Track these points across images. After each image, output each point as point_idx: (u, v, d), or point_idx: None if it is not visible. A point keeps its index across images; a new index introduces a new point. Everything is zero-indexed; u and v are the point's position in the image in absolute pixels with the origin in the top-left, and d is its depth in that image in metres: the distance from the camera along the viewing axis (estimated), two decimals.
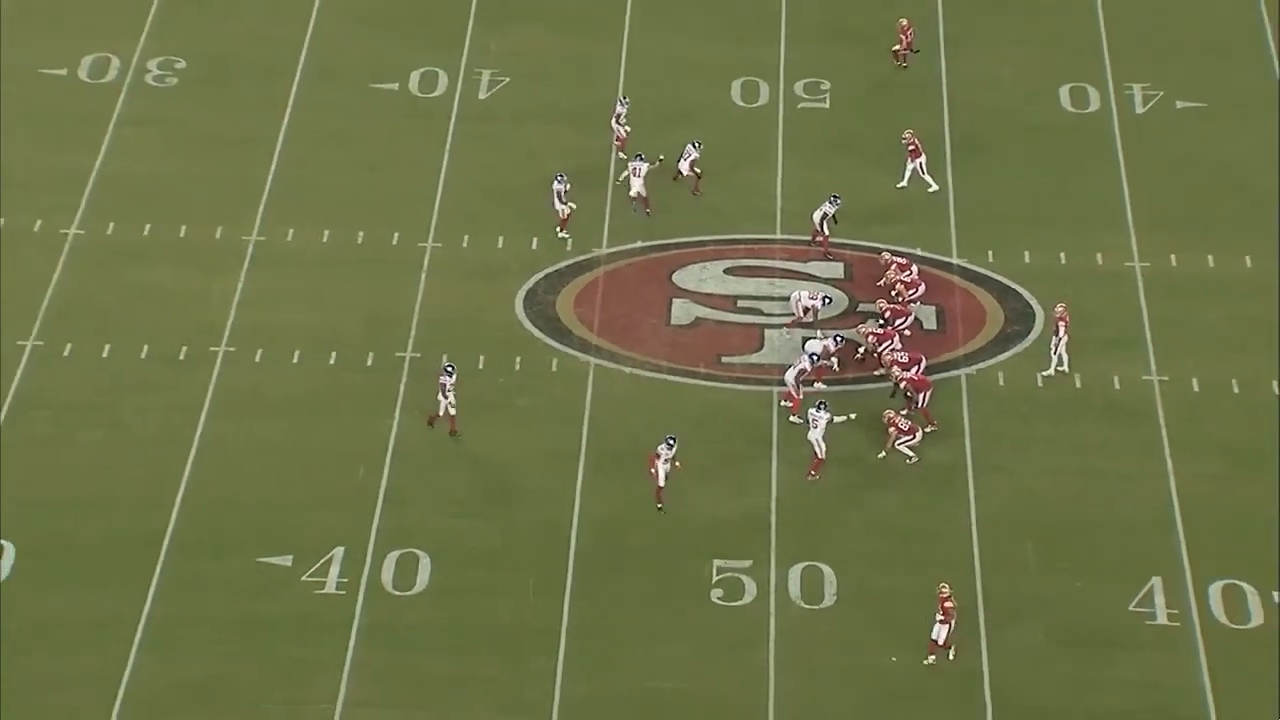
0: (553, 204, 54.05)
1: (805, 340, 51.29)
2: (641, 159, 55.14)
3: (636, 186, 55.36)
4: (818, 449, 48.35)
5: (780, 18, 62.85)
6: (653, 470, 46.83)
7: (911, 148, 56.27)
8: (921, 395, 49.46)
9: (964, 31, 62.15)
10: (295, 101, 59.55)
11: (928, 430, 49.29)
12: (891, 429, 48.54)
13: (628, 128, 57.20)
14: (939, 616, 43.74)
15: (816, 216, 54.07)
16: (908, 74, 60.50)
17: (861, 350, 51.20)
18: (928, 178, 56.29)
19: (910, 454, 48.93)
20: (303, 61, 60.97)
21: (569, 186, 54.21)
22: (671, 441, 46.72)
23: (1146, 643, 45.25)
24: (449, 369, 48.80)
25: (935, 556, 46.99)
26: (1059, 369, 50.94)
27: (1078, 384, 50.71)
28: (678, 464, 47.04)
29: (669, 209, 56.03)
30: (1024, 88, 60.38)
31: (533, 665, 44.50)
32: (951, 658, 43.71)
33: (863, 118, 59.27)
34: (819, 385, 50.44)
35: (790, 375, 50.00)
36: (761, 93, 60.33)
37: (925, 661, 43.98)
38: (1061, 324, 50.75)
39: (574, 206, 54.19)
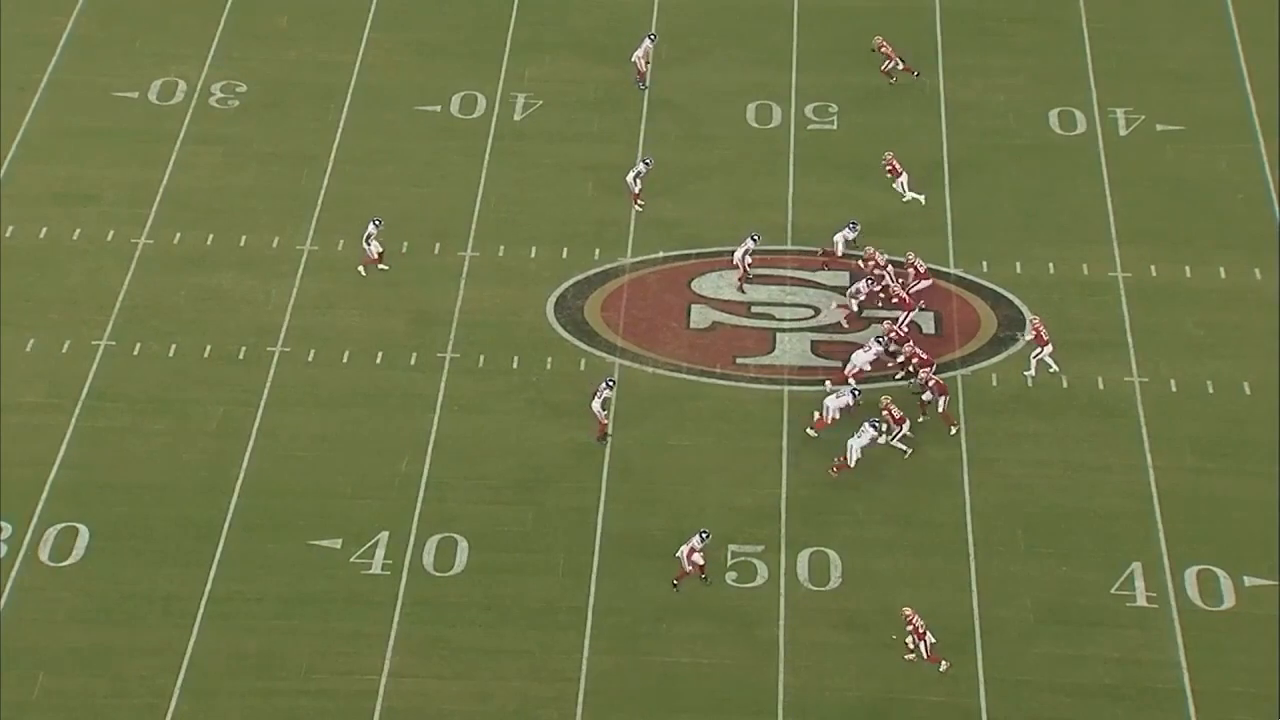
0: (364, 245, 53.72)
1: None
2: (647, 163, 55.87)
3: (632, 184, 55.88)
4: (851, 455, 48.20)
5: (792, 47, 62.68)
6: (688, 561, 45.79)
7: (890, 169, 56.17)
8: (941, 400, 49.27)
9: (961, 61, 61.96)
10: (345, 123, 59.48)
11: (951, 432, 49.24)
12: (885, 413, 48.47)
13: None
14: (909, 641, 43.66)
15: (837, 239, 53.83)
16: (909, 99, 60.28)
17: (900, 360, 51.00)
18: (911, 194, 56.13)
19: (903, 447, 48.79)
20: (353, 86, 60.90)
21: (381, 227, 53.78)
22: (705, 535, 45.74)
23: (1127, 623, 45.16)
24: (610, 383, 48.90)
25: (932, 542, 46.98)
26: (1049, 373, 50.74)
27: (1064, 384, 50.56)
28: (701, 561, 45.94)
29: (686, 223, 55.92)
30: (1016, 112, 60.18)
31: (562, 639, 44.55)
32: (943, 669, 43.64)
33: (867, 139, 59.06)
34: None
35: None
36: (774, 115, 60.17)
37: (906, 658, 43.95)
38: (1037, 334, 50.74)
39: (381, 248, 53.48)
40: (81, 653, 44.20)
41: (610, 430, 48.92)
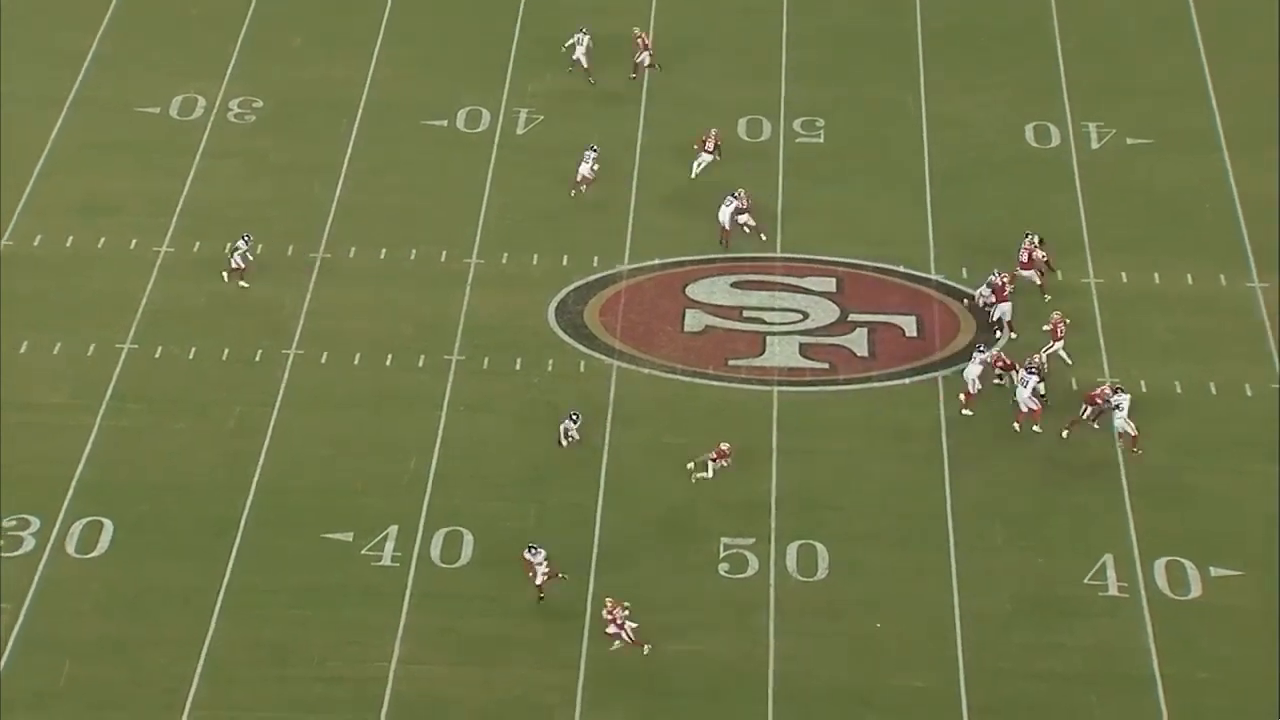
0: (231, 261, 53.68)
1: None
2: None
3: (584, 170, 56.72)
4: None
5: (781, 65, 62.83)
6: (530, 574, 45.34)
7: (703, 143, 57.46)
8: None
9: (943, 78, 62.16)
10: (356, 136, 59.62)
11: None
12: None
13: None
14: (609, 630, 43.76)
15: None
16: (893, 114, 60.45)
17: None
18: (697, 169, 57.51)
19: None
20: (363, 101, 61.03)
21: (250, 243, 53.76)
22: (534, 548, 44.90)
23: (1100, 612, 45.26)
24: (574, 416, 48.54)
25: (915, 536, 47.08)
26: (1065, 364, 51.27)
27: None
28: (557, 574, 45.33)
29: (681, 231, 56.06)
30: (994, 126, 60.35)
31: (562, 627, 44.59)
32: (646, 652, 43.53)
33: (853, 152, 59.22)
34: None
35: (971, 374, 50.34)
36: (765, 129, 60.29)
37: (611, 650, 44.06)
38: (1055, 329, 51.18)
39: (244, 265, 53.28)
40: (105, 641, 44.23)
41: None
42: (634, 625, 43.41)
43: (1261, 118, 60.29)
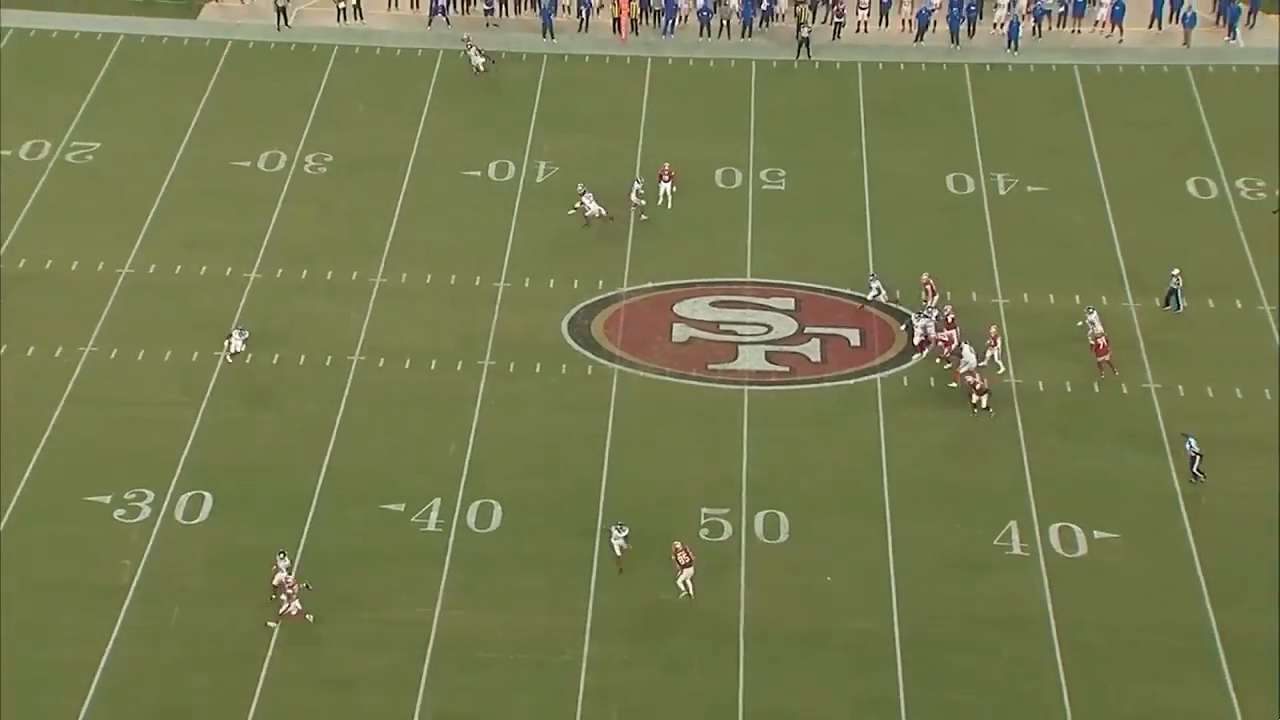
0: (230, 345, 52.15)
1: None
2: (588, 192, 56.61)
3: (591, 209, 56.49)
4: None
5: (750, 129, 62.78)
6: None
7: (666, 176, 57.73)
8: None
9: (880, 139, 62.14)
10: (407, 184, 59.50)
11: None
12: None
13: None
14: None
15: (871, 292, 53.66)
16: (840, 165, 60.38)
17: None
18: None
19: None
20: (413, 156, 60.93)
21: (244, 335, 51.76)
22: (282, 554, 43.55)
23: (1006, 567, 45.18)
24: (619, 525, 44.62)
25: (859, 507, 46.97)
26: (998, 372, 50.90)
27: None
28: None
29: (669, 260, 55.89)
30: (921, 175, 60.26)
31: (574, 581, 44.49)
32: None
33: (808, 197, 59.18)
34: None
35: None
36: (737, 178, 60.18)
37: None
38: (994, 340, 51.12)
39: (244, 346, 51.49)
40: (206, 591, 44.15)
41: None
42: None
43: (1133, 172, 60.23)
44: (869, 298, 53.44)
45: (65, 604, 43.38)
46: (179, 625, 43.22)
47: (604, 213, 56.58)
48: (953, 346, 51.36)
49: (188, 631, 43.07)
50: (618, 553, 44.37)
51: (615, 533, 44.42)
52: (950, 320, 51.96)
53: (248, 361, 49.48)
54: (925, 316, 51.98)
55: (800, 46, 66.73)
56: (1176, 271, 53.73)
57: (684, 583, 43.65)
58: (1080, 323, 52.22)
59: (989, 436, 49.24)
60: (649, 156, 60.57)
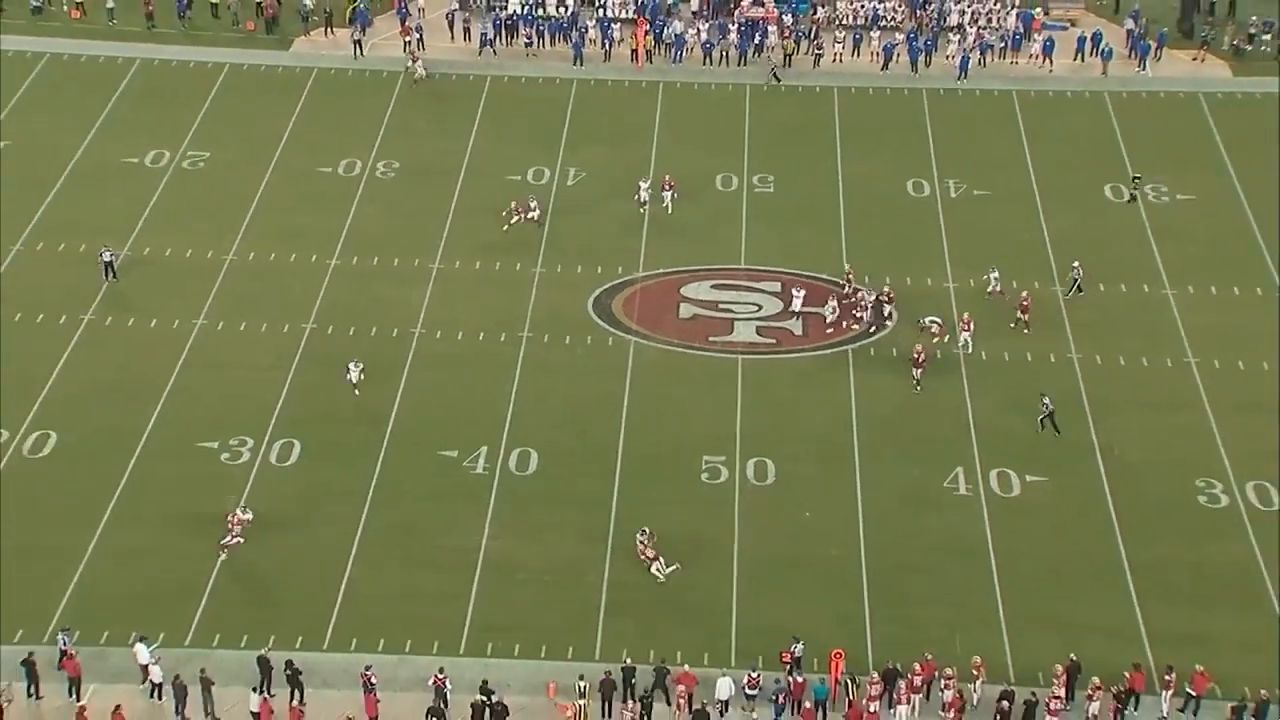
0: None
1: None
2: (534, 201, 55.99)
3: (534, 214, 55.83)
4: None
5: (744, 140, 62.42)
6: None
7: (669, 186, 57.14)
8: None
9: (852, 151, 61.69)
10: (460, 187, 59.22)
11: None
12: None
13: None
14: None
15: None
16: (820, 176, 59.97)
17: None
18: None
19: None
20: (465, 165, 60.67)
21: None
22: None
23: (954, 506, 45.10)
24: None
25: (833, 455, 46.87)
26: (967, 352, 50.36)
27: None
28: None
29: (678, 251, 55.52)
30: (886, 181, 59.90)
31: (597, 516, 44.51)
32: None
33: (792, 199, 58.90)
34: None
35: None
36: (733, 183, 59.89)
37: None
38: (966, 325, 50.50)
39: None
40: (294, 520, 44.20)
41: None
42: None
43: (1061, 180, 59.76)
44: (988, 290, 52.66)
45: (183, 530, 43.47)
46: (273, 548, 43.27)
47: (536, 217, 55.73)
48: (867, 316, 51.54)
49: (279, 553, 43.13)
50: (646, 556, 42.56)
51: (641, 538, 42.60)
52: (883, 298, 51.97)
53: (356, 384, 48.23)
54: (833, 299, 51.67)
55: (785, 59, 66.90)
56: (1077, 264, 53.46)
57: (656, 570, 42.29)
58: (989, 286, 52.25)
59: (939, 396, 49.07)
60: (661, 164, 60.36)
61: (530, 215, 55.93)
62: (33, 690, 38.95)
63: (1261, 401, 48.64)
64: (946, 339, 50.57)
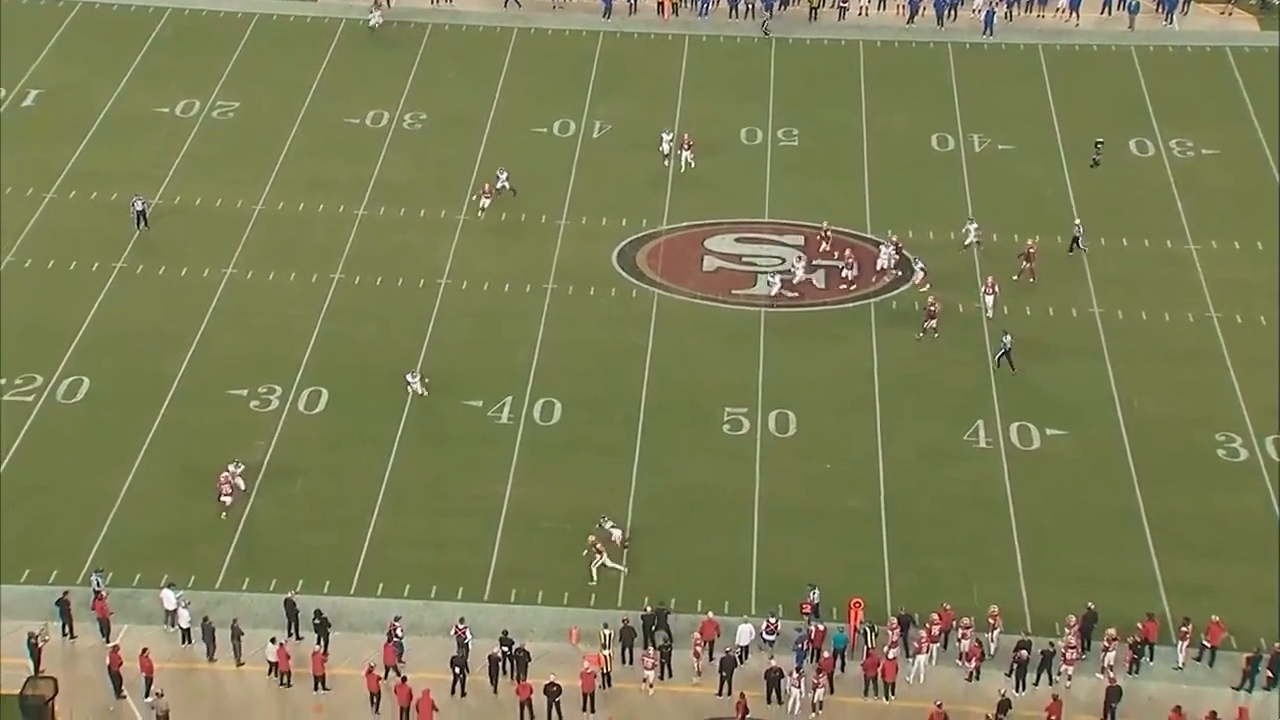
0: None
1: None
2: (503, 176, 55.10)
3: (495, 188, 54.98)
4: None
5: (770, 94, 62.21)
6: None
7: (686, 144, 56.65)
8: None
9: (876, 104, 61.50)
10: (487, 139, 59.24)
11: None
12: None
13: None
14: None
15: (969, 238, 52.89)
16: (842, 126, 59.79)
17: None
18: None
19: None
20: (492, 116, 60.67)
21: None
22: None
23: (974, 458, 45.22)
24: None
25: (854, 405, 46.97)
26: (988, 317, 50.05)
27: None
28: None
29: (701, 205, 55.52)
30: (910, 135, 59.70)
31: (620, 464, 44.74)
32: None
33: (816, 152, 58.75)
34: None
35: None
36: (758, 136, 59.75)
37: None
38: (991, 288, 50.12)
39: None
40: (323, 467, 44.51)
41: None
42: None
43: (1086, 135, 59.40)
44: (966, 242, 52.63)
45: (213, 476, 43.66)
46: (302, 493, 43.71)
47: (506, 186, 55.05)
48: (852, 274, 51.33)
49: (309, 498, 43.56)
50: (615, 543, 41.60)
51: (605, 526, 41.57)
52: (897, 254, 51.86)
53: (421, 394, 47.01)
54: (800, 262, 51.37)
55: (811, 12, 66.54)
56: (1078, 221, 53.28)
57: (598, 569, 40.72)
58: (966, 238, 52.17)
59: (962, 349, 49.07)
60: (686, 117, 60.23)
61: (500, 187, 55.18)
62: (67, 630, 39.53)
63: None
64: (928, 287, 50.40)
